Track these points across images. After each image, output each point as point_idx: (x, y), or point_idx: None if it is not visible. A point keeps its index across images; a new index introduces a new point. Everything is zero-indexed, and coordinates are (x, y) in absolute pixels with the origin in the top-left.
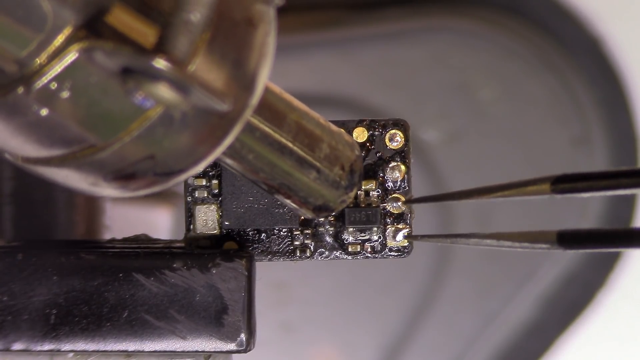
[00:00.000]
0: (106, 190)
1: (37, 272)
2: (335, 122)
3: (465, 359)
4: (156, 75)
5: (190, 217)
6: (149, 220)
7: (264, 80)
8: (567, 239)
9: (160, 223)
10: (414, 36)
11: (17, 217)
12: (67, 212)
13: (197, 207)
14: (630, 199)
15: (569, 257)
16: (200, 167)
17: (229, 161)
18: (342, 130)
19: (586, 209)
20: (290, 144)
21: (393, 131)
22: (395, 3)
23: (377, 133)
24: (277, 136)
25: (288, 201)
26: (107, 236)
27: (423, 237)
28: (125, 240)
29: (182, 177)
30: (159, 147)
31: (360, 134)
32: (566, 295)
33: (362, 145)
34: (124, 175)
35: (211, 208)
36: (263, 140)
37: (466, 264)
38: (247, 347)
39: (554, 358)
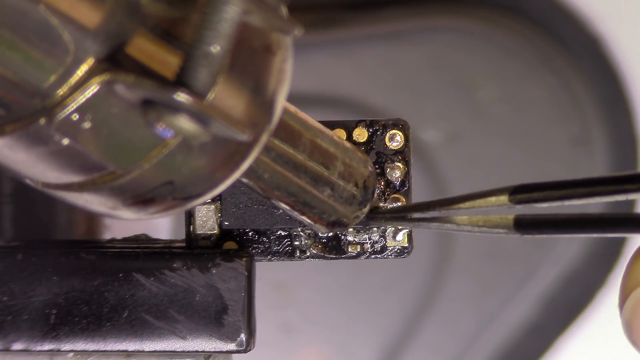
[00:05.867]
0: (125, 213)
1: (37, 272)
2: (335, 122)
3: (465, 359)
4: (177, 108)
5: (190, 217)
6: (149, 220)
7: (281, 105)
8: (524, 224)
9: (160, 223)
10: (414, 36)
11: (17, 217)
12: (67, 212)
13: (197, 207)
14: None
15: (569, 257)
16: (218, 191)
17: (244, 180)
18: (356, 147)
19: (586, 209)
20: (305, 163)
21: (393, 131)
22: (395, 3)
23: (377, 133)
24: (292, 155)
25: (303, 217)
26: (107, 236)
27: (387, 221)
28: (125, 240)
29: (200, 201)
30: (178, 173)
31: (360, 134)
32: (566, 295)
33: (362, 145)
34: (143, 200)
35: (211, 208)
36: (279, 159)
37: (466, 264)
38: (247, 347)
39: (554, 358)
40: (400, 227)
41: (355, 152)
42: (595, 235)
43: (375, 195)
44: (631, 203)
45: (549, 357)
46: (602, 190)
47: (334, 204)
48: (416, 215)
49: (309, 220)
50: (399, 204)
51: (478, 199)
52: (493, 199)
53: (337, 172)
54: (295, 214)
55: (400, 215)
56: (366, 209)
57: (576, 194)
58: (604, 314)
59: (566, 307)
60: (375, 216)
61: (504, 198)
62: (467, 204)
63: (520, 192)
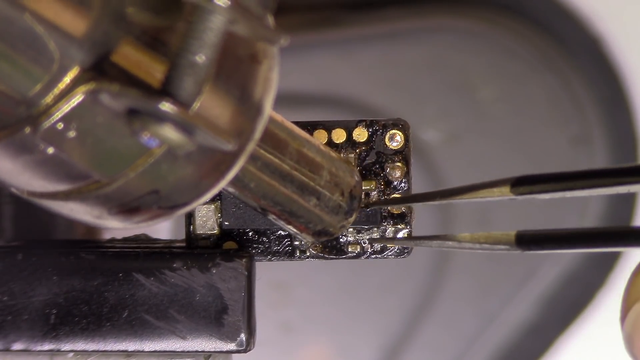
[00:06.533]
0: (111, 222)
1: (37, 272)
2: (335, 122)
3: (465, 359)
4: (162, 117)
5: (190, 217)
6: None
7: (267, 114)
8: (526, 240)
9: (160, 223)
10: (414, 36)
11: (17, 217)
12: None
13: (197, 207)
14: (631, 198)
15: (569, 257)
16: (204, 200)
17: (230, 189)
18: (342, 156)
19: (586, 209)
20: (291, 172)
21: (393, 131)
22: (395, 3)
23: (377, 133)
24: (278, 165)
25: (289, 226)
26: (107, 236)
27: (388, 239)
28: (125, 240)
29: (186, 210)
30: (164, 182)
31: (360, 134)
32: (566, 295)
33: (362, 145)
34: (128, 209)
35: (211, 208)
36: (265, 169)
37: (466, 264)
38: (247, 347)
39: (554, 358)
40: (400, 227)
41: (341, 162)
42: (598, 250)
43: (376, 195)
44: (630, 202)
45: (549, 357)
46: (604, 182)
47: (320, 213)
48: (417, 204)
49: (295, 230)
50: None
51: (480, 190)
52: (495, 190)
53: (324, 181)
54: (282, 223)
55: (401, 237)
56: (352, 219)
57: (578, 185)
58: (604, 314)
59: (566, 307)
60: (376, 238)
61: (505, 189)
62: (469, 195)
63: (522, 184)
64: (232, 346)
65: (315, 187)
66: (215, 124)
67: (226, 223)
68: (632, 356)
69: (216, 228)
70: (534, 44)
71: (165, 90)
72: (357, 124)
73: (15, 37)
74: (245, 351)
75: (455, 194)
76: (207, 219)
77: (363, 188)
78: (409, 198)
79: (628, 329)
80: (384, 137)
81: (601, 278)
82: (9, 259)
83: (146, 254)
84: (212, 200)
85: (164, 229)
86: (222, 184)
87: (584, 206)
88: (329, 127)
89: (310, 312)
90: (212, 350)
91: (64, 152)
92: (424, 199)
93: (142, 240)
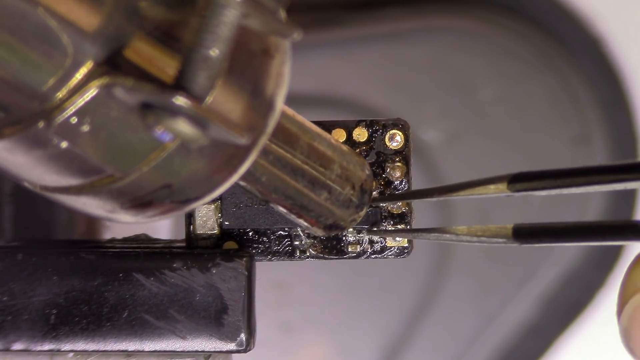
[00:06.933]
0: (123, 216)
1: (37, 272)
2: (335, 122)
3: (465, 359)
4: (176, 111)
5: (190, 217)
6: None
7: (280, 108)
8: (523, 234)
9: (160, 223)
10: (414, 36)
11: (17, 217)
12: (67, 212)
13: (197, 207)
14: (631, 195)
15: (569, 257)
16: (216, 194)
17: (242, 183)
18: (353, 150)
19: (587, 206)
20: (302, 166)
21: (393, 131)
22: (395, 3)
23: (377, 133)
24: (290, 159)
25: (300, 220)
26: (107, 236)
27: (387, 231)
28: (125, 240)
29: (199, 204)
30: (176, 177)
31: (360, 134)
32: (566, 295)
33: (362, 145)
34: (141, 203)
35: (211, 208)
36: (276, 163)
37: (466, 264)
38: (247, 347)
39: (554, 358)
40: (400, 227)
41: (352, 156)
42: (594, 243)
43: (376, 194)
44: (630, 199)
45: (549, 357)
46: (601, 179)
47: (331, 207)
48: (416, 201)
49: (306, 223)
50: (399, 204)
51: (476, 187)
52: (492, 187)
53: (335, 175)
54: (293, 217)
55: (399, 228)
56: (363, 212)
57: (575, 182)
58: (604, 314)
59: (566, 307)
60: (375, 230)
61: (502, 186)
62: (466, 192)
63: (519, 181)
64: (232, 346)
65: (326, 181)
66: (228, 118)
67: (226, 223)
68: (629, 350)
69: (216, 228)
70: (534, 44)
71: (178, 84)
72: (357, 124)
73: (28, 31)
74: (245, 351)
75: (452, 190)
76: (207, 219)
77: None
78: (407, 194)
79: (625, 323)
80: (384, 137)
81: (601, 278)
82: (9, 259)
83: (146, 254)
84: (212, 200)
85: (164, 229)
86: (235, 178)
87: (584, 203)
88: (329, 127)
89: (310, 312)
90: (212, 350)
91: (78, 147)
92: (422, 195)
93: (142, 240)
